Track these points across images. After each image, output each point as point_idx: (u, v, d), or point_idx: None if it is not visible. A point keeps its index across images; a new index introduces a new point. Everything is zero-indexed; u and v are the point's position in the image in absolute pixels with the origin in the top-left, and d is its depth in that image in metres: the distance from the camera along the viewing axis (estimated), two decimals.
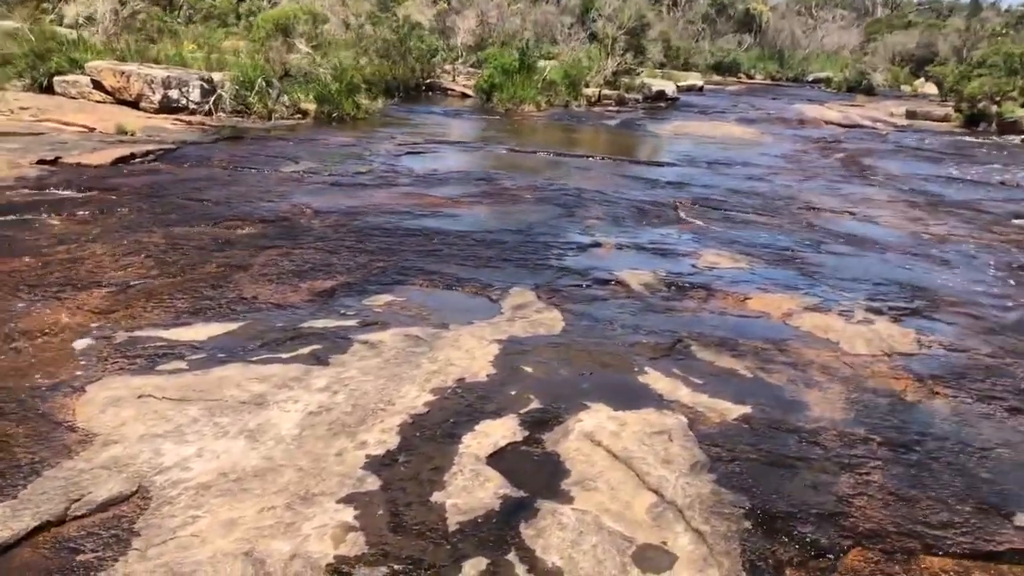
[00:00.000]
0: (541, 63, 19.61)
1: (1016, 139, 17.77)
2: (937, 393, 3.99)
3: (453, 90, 20.19)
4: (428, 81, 20.20)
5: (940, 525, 2.87)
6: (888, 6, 53.20)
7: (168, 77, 11.13)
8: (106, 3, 16.14)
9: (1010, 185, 11.04)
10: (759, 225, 7.42)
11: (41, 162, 7.55)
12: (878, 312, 5.10)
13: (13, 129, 9.08)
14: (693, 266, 5.84)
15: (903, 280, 5.89)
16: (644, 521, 2.77)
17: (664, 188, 8.95)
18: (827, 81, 31.38)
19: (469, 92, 19.34)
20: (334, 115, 12.91)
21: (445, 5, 30.62)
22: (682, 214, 7.66)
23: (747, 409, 3.64)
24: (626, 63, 21.47)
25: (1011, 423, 3.71)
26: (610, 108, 19.22)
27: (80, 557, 2.41)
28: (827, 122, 19.05)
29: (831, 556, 2.67)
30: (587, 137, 14.14)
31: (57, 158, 7.74)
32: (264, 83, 12.52)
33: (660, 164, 10.90)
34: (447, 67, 21.93)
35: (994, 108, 19.98)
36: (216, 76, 12.15)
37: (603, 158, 11.06)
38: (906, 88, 31.45)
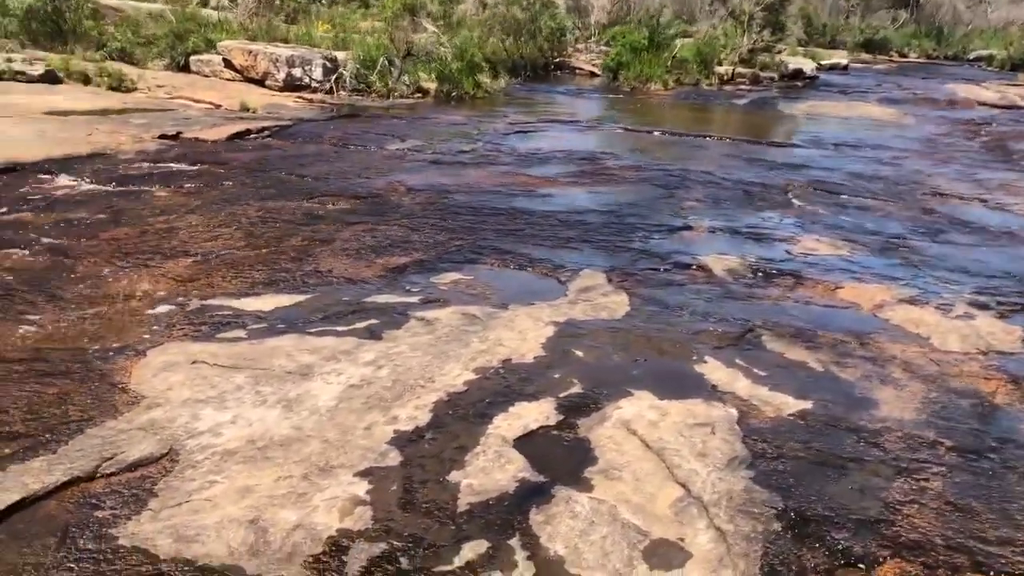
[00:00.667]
0: (677, 41, 19.12)
1: None
2: None
3: (582, 69, 19.98)
4: (557, 60, 20.11)
5: (997, 541, 2.60)
6: None
7: (292, 56, 11.51)
8: None
9: None
10: (874, 211, 6.98)
11: (163, 137, 7.96)
12: (984, 307, 4.69)
13: (147, 105, 9.63)
14: (787, 252, 5.55)
15: (1019, 273, 5.40)
16: (664, 515, 2.64)
17: (779, 170, 8.55)
18: (989, 59, 29.13)
19: (597, 71, 19.10)
20: (453, 94, 13.02)
21: None
22: (792, 197, 7.29)
23: (807, 404, 3.42)
24: (763, 40, 20.68)
25: None
26: (742, 87, 18.54)
27: (98, 513, 2.51)
28: (980, 103, 17.68)
29: (863, 566, 2.47)
30: (709, 116, 13.71)
31: (178, 133, 8.14)
32: (386, 62, 12.75)
33: (781, 145, 10.44)
34: (579, 46, 21.78)
35: None
36: (339, 55, 12.47)
37: (721, 138, 10.68)
38: None
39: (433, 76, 13.43)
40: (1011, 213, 7.23)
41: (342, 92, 11.91)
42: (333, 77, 11.74)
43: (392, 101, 12.03)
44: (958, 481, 2.92)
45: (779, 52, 21.53)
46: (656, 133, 10.79)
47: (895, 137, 11.74)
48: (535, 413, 3.20)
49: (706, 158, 9.03)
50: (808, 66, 20.23)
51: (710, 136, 10.79)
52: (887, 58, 30.80)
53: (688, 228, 6.00)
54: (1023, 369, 3.90)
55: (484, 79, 14.18)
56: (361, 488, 2.69)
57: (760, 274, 5.05)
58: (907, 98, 17.69)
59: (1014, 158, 10.36)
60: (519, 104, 12.95)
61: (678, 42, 19.29)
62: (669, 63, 18.20)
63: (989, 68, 28.14)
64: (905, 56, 32.23)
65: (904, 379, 3.73)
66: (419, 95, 12.96)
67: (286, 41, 13.49)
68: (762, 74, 19.60)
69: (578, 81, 18.33)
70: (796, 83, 19.50)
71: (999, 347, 4.15)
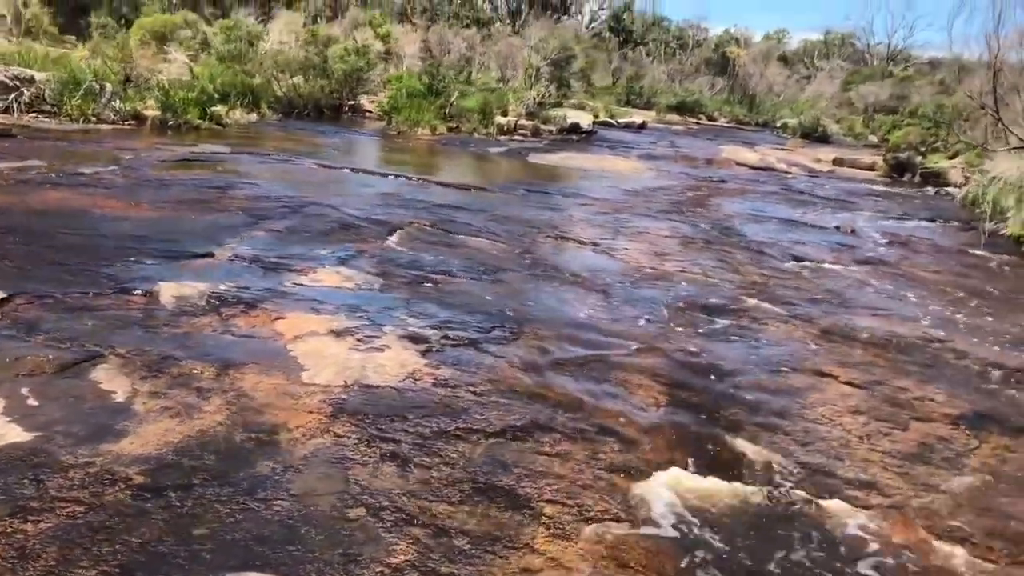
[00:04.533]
0: (475, 89, 19.31)
1: (931, 190, 17.03)
2: (329, 432, 3.35)
3: (370, 112, 19.83)
4: (351, 103, 19.94)
5: None
6: (888, 60, 52.52)
7: None
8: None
9: (844, 231, 10.35)
10: (468, 250, 6.80)
11: None
12: (420, 340, 4.46)
13: None
14: (281, 283, 5.23)
15: (523, 311, 5.27)
16: None
17: (421, 209, 8.34)
18: (784, 127, 30.77)
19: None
20: (171, 123, 12.50)
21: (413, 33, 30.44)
22: (393, 236, 7.02)
23: (29, 437, 3.02)
24: (550, 94, 21.14)
25: (354, 473, 3.06)
26: (516, 137, 18.69)
27: None
28: (739, 163, 18.36)
29: None
30: (437, 160, 13.58)
31: None
32: (96, 86, 12.13)
33: (467, 188, 10.30)
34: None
35: (919, 159, 19.29)
36: (39, 75, 11.77)
37: (413, 179, 10.46)
38: (873, 138, 30.70)
39: (157, 104, 12.90)
40: (611, 257, 7.22)
41: (28, 114, 11.18)
42: (11, 96, 11.00)
43: (84, 125, 11.38)
44: (76, 524, 2.56)
45: (579, 107, 22.09)
46: (346, 170, 10.52)
47: (608, 187, 11.88)
48: None
49: (356, 194, 8.78)
50: (585, 121, 20.66)
51: (402, 176, 10.56)
52: (695, 120, 32.05)
53: (208, 256, 5.63)
54: (360, 404, 3.65)
55: (219, 111, 13.74)
56: None
57: (214, 302, 4.70)
58: (668, 156, 18.21)
59: (698, 212, 10.55)
60: (244, 138, 12.50)
61: (461, 90, 19.47)
62: (447, 110, 18.31)
63: (784, 134, 29.67)
64: (714, 120, 33.64)
65: (209, 412, 3.41)
66: (133, 122, 12.36)
67: None
68: (543, 127, 19.87)
69: (363, 124, 18.16)
70: (572, 136, 19.83)
71: (372, 381, 3.89)
